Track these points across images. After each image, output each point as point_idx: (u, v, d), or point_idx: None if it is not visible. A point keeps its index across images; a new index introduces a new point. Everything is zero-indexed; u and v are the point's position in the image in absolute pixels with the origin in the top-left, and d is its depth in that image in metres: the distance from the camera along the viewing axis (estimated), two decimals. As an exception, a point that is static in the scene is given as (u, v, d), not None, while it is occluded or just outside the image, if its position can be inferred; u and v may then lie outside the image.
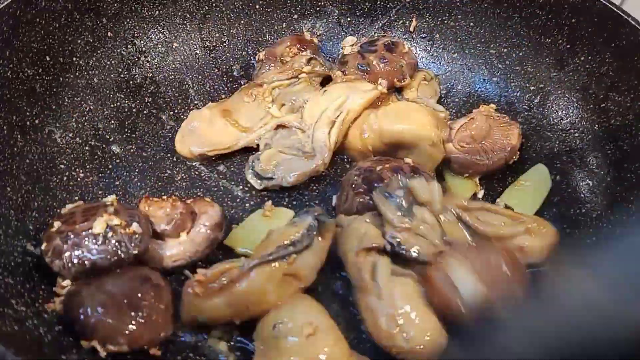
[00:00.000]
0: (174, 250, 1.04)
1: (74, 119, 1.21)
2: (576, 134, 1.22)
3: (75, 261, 0.94)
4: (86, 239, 0.95)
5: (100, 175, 1.19)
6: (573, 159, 1.20)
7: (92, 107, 1.24)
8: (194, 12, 1.37)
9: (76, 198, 1.14)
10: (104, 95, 1.27)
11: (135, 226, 0.97)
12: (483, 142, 1.18)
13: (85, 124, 1.22)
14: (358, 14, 1.41)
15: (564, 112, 1.25)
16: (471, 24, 1.35)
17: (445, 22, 1.37)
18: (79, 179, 1.17)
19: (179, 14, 1.36)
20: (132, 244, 0.96)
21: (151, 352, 0.93)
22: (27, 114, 1.13)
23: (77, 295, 0.93)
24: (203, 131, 1.24)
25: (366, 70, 1.26)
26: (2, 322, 0.84)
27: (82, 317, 0.90)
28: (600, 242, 1.07)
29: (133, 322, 0.90)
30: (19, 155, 1.09)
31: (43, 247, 0.98)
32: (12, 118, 1.10)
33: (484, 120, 1.19)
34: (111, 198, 1.04)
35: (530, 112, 1.29)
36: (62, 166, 1.16)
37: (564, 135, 1.24)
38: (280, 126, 1.23)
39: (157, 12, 1.34)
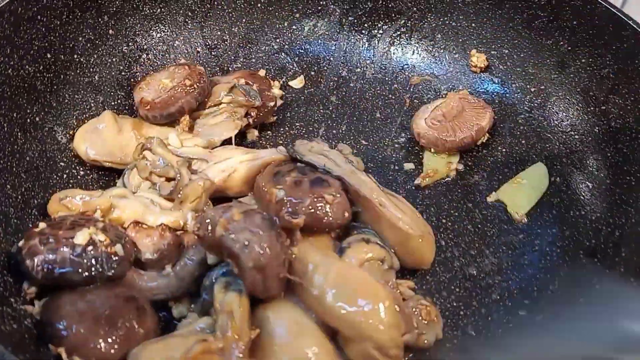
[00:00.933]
0: (155, 283, 0.98)
1: (74, 117, 1.21)
2: (576, 136, 1.22)
3: (46, 266, 0.90)
4: (64, 247, 0.91)
5: (100, 172, 1.19)
6: (573, 160, 1.20)
7: (92, 105, 1.24)
8: (195, 11, 1.37)
9: (76, 196, 1.14)
10: (105, 93, 1.27)
11: (118, 247, 0.93)
12: (453, 121, 1.23)
13: (86, 121, 1.22)
14: (360, 13, 1.41)
15: (564, 114, 1.25)
16: (473, 24, 1.35)
17: (447, 22, 1.37)
18: (79, 177, 1.17)
19: (181, 12, 1.36)
20: (109, 265, 0.92)
21: None
22: (28, 111, 1.13)
23: (59, 298, 0.90)
24: (107, 136, 1.15)
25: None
26: (1, 320, 0.84)
27: (56, 321, 0.87)
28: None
29: (106, 338, 0.86)
30: (19, 153, 1.09)
31: (20, 243, 0.94)
32: (13, 115, 1.10)
33: (457, 101, 1.26)
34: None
35: (530, 113, 1.29)
36: (62, 164, 1.16)
37: (564, 137, 1.24)
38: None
39: (158, 10, 1.33)
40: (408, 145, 1.28)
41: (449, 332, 1.01)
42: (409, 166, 1.24)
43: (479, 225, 1.15)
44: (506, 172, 1.22)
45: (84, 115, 1.22)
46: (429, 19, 1.38)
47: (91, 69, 1.25)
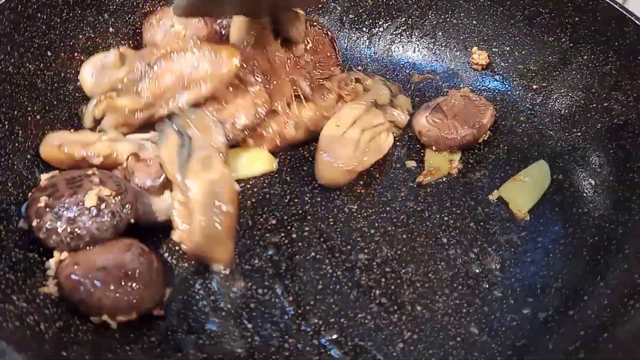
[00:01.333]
0: (158, 206, 1.07)
1: (75, 115, 1.20)
2: (579, 133, 1.22)
3: (73, 235, 0.95)
4: (79, 212, 0.95)
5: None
6: (575, 158, 1.20)
7: (93, 103, 1.24)
8: (196, 8, 1.36)
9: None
10: (106, 91, 1.26)
11: (125, 194, 0.99)
12: (454, 119, 1.23)
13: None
14: (360, 10, 1.41)
15: (566, 111, 1.25)
16: (474, 21, 1.35)
17: (448, 19, 1.37)
18: (80, 175, 1.16)
19: (181, 10, 1.35)
20: (125, 212, 0.98)
21: (155, 313, 0.96)
22: (29, 109, 1.12)
23: (73, 278, 0.93)
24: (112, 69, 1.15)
25: None
26: (4, 318, 0.84)
27: (85, 297, 0.91)
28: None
29: (135, 289, 0.92)
30: (20, 151, 1.09)
31: (34, 224, 0.97)
32: (14, 113, 1.09)
33: (459, 99, 1.25)
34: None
35: (532, 110, 1.29)
36: (63, 162, 1.16)
37: (566, 134, 1.23)
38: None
39: (158, 8, 1.33)
40: (409, 143, 1.28)
41: (452, 331, 1.00)
42: (410, 164, 1.24)
43: (481, 223, 1.14)
44: (508, 170, 1.22)
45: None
46: (429, 17, 1.38)
47: (91, 67, 1.24)
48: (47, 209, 0.96)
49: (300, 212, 1.14)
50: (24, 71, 1.12)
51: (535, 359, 0.95)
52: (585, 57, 1.22)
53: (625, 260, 1.01)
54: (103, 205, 0.96)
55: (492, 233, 1.13)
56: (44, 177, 1.05)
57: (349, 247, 1.09)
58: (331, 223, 1.13)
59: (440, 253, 1.09)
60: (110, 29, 1.27)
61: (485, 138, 1.26)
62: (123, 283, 0.92)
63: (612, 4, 1.15)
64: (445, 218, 1.15)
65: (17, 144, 1.09)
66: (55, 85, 1.18)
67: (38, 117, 1.14)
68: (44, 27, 1.15)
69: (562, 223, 1.12)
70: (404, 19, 1.40)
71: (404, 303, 1.03)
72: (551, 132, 1.25)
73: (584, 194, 1.15)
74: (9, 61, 1.09)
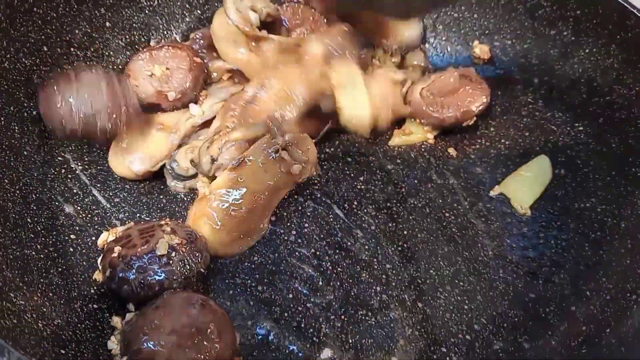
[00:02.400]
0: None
1: (72, 110, 1.20)
2: (581, 127, 1.21)
3: (141, 285, 0.94)
4: (150, 261, 0.95)
5: (98, 168, 1.17)
6: (577, 152, 1.19)
7: (90, 99, 1.23)
8: (193, 3, 1.35)
9: (75, 190, 1.13)
10: (103, 87, 1.25)
11: (195, 244, 0.98)
12: (444, 98, 1.22)
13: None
14: (360, 4, 1.39)
15: (568, 105, 1.24)
16: (475, 15, 1.33)
17: (449, 13, 1.36)
18: (77, 171, 1.15)
19: (178, 4, 1.34)
20: (195, 262, 0.97)
21: None
22: (25, 105, 1.11)
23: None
24: (138, 145, 1.15)
25: None
26: (1, 315, 0.83)
27: (143, 341, 0.87)
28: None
29: (211, 344, 0.88)
30: (17, 147, 1.08)
31: (107, 273, 0.97)
32: (10, 109, 1.08)
33: (455, 78, 1.25)
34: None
35: (534, 104, 1.27)
36: (60, 158, 1.15)
37: (568, 128, 1.22)
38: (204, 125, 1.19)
39: (155, 2, 1.32)
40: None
41: (454, 327, 1.00)
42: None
43: (483, 219, 1.13)
44: (509, 165, 1.21)
45: (82, 109, 1.21)
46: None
47: (88, 62, 1.23)
48: (121, 259, 0.96)
49: (300, 208, 1.13)
50: (20, 66, 1.11)
51: (537, 354, 0.95)
52: (587, 50, 1.20)
53: (628, 255, 1.00)
54: (173, 254, 0.95)
55: (493, 228, 1.12)
56: (119, 229, 1.05)
57: (349, 243, 1.08)
58: (331, 219, 1.12)
59: (442, 249, 1.09)
60: (107, 24, 1.26)
61: (470, 123, 1.24)
62: (197, 341, 0.87)
63: (614, -4, 1.14)
64: (447, 214, 1.14)
65: (13, 140, 1.08)
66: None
67: (34, 112, 1.13)
68: (40, 22, 1.14)
69: (564, 218, 1.11)
70: (404, 12, 1.38)
71: (405, 300, 1.02)
72: (553, 127, 1.24)
73: (586, 189, 1.14)
74: (4, 56, 1.07)
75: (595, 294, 0.99)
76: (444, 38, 1.38)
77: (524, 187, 1.17)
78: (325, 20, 1.30)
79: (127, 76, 1.17)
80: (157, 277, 0.94)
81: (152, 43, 1.31)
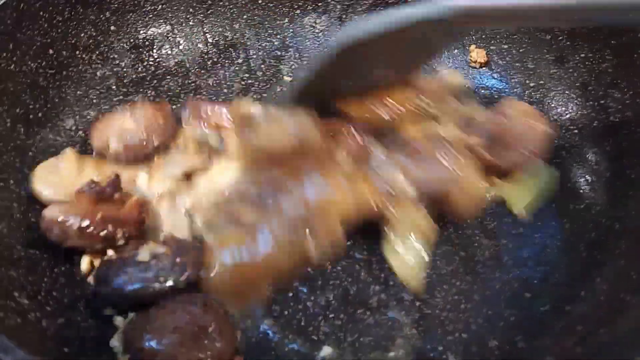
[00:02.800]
0: None
1: (77, 112, 1.22)
2: (575, 130, 1.23)
3: (118, 288, 0.94)
4: (130, 266, 0.95)
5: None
6: (572, 155, 1.21)
7: (95, 101, 1.25)
8: (197, 7, 1.37)
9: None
10: (107, 89, 1.27)
11: (182, 258, 0.96)
12: (505, 140, 1.14)
13: (89, 117, 1.22)
14: (360, 9, 1.41)
15: (563, 108, 1.26)
16: (472, 20, 1.35)
17: (447, 18, 1.37)
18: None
19: (182, 8, 1.36)
20: (176, 274, 0.94)
21: None
22: (31, 107, 1.13)
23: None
24: (66, 175, 1.09)
25: None
26: (5, 314, 0.85)
27: (143, 341, 0.88)
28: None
29: (213, 342, 0.89)
30: (22, 148, 1.10)
31: (93, 274, 0.99)
32: (15, 111, 1.10)
33: (511, 116, 1.15)
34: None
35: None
36: (64, 159, 1.17)
37: (563, 131, 1.24)
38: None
39: (160, 6, 1.34)
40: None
41: (450, 326, 1.01)
42: None
43: (479, 219, 1.15)
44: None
45: (87, 111, 1.23)
46: (428, 15, 1.38)
47: (93, 65, 1.25)
48: (108, 262, 0.98)
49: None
50: (25, 69, 1.13)
51: (532, 353, 0.96)
52: (582, 54, 1.22)
53: (622, 255, 1.01)
54: (154, 262, 0.95)
55: (489, 229, 1.14)
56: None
57: (347, 243, 1.10)
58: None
59: (439, 248, 1.10)
60: (112, 27, 1.28)
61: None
62: (199, 340, 0.88)
63: (609, 2, 1.16)
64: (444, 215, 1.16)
65: (18, 142, 1.10)
66: (57, 83, 1.19)
67: (40, 114, 1.15)
68: (45, 25, 1.16)
69: (559, 219, 1.13)
70: (402, 17, 1.40)
71: (403, 299, 1.04)
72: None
73: (581, 191, 1.16)
74: (10, 59, 1.09)
75: (590, 294, 1.00)
76: (442, 42, 1.39)
77: (521, 191, 1.17)
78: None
79: (93, 128, 1.15)
80: (131, 282, 0.94)
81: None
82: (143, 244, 0.98)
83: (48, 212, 1.00)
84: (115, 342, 0.93)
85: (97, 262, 1.02)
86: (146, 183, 1.13)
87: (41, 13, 1.14)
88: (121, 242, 1.01)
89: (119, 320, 0.97)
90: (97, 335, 0.96)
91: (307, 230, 0.96)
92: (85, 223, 0.98)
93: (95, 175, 1.08)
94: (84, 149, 1.18)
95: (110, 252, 1.01)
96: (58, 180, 1.08)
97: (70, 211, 0.99)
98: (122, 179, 1.07)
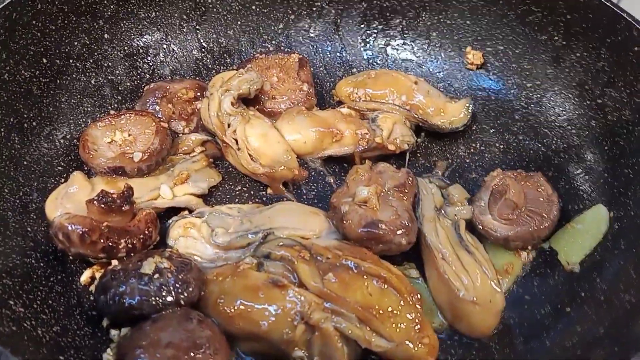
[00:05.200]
0: None
1: (72, 121, 1.22)
2: (573, 131, 1.22)
3: (117, 299, 0.93)
4: (132, 278, 0.94)
5: (97, 177, 1.19)
6: (570, 155, 1.20)
7: (89, 109, 1.25)
8: (190, 14, 1.37)
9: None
10: (102, 97, 1.27)
11: (186, 275, 0.95)
12: (526, 206, 1.08)
13: (83, 125, 1.22)
14: (354, 13, 1.41)
15: (561, 108, 1.25)
16: (467, 21, 1.35)
17: (442, 20, 1.37)
18: (76, 181, 1.17)
19: (176, 15, 1.36)
20: (177, 291, 0.93)
21: None
22: (25, 115, 1.13)
23: (138, 329, 0.89)
24: (81, 197, 1.07)
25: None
26: (0, 322, 0.84)
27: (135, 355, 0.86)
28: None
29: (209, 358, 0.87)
30: (17, 157, 1.10)
31: (95, 283, 0.99)
32: (10, 120, 1.10)
33: (515, 183, 1.09)
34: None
35: (527, 109, 1.28)
36: (59, 168, 1.17)
37: (561, 132, 1.23)
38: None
39: (153, 13, 1.34)
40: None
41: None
42: None
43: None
44: (504, 169, 1.20)
45: (81, 119, 1.23)
46: (423, 18, 1.38)
47: (87, 73, 1.25)
48: (111, 271, 0.97)
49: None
50: (19, 78, 1.13)
51: (532, 355, 0.95)
52: (578, 54, 1.22)
53: (621, 255, 1.01)
54: (157, 276, 0.94)
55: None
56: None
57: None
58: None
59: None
60: (106, 36, 1.28)
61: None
62: (193, 356, 0.86)
63: (604, 1, 1.15)
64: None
65: (13, 151, 1.10)
66: (52, 92, 1.19)
67: (34, 123, 1.15)
68: (39, 34, 1.16)
69: (559, 219, 1.11)
70: (398, 20, 1.40)
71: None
72: (546, 130, 1.25)
73: (580, 191, 1.15)
74: (4, 68, 1.10)
75: (590, 295, 0.99)
76: (438, 45, 1.39)
77: (576, 240, 1.08)
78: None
79: (84, 141, 1.14)
80: (131, 294, 0.92)
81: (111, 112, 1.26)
82: (147, 257, 0.97)
83: (57, 219, 1.00)
84: (108, 356, 0.93)
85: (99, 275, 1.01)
86: (170, 194, 1.13)
87: (34, 22, 1.14)
88: (123, 253, 1.01)
89: (114, 333, 0.96)
90: (92, 343, 0.95)
91: None
92: (88, 231, 0.98)
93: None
94: (78, 157, 1.18)
95: (114, 262, 1.00)
96: (72, 205, 1.07)
97: (76, 219, 0.99)
98: (141, 192, 1.09)
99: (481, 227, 1.08)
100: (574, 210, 1.13)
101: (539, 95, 1.28)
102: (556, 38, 1.24)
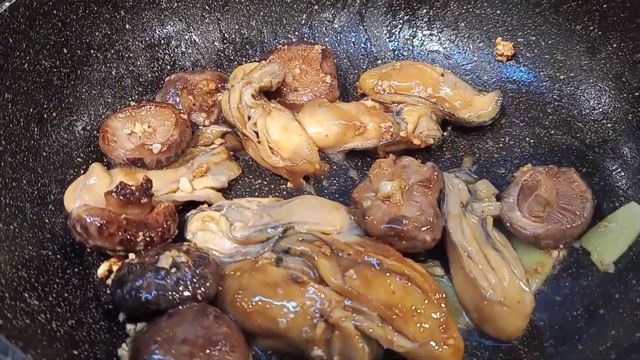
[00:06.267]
0: None
1: (92, 112, 1.21)
2: (609, 125, 1.17)
3: (133, 293, 0.91)
4: (149, 272, 0.92)
5: (117, 169, 1.18)
6: (606, 150, 1.15)
7: (110, 100, 1.24)
8: (213, 4, 1.35)
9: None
10: (122, 88, 1.26)
11: (203, 270, 0.93)
12: (558, 203, 1.04)
13: (103, 117, 1.21)
14: (380, 3, 1.38)
15: (595, 101, 1.20)
16: (498, 11, 1.31)
17: (471, 10, 1.33)
18: (95, 172, 1.16)
19: (198, 5, 1.34)
20: (194, 286, 0.91)
21: None
22: (44, 106, 1.12)
23: (153, 324, 0.88)
24: (100, 190, 1.06)
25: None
26: (14, 315, 0.83)
27: (150, 351, 0.85)
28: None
29: (226, 356, 0.85)
30: (36, 149, 1.09)
31: (112, 276, 0.98)
32: (29, 110, 1.09)
33: (546, 178, 1.06)
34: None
35: (560, 102, 1.24)
36: (79, 159, 1.16)
37: (596, 126, 1.18)
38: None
39: (175, 4, 1.32)
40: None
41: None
42: None
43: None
44: (535, 164, 1.16)
45: (102, 110, 1.22)
46: (451, 7, 1.34)
47: (108, 64, 1.24)
48: (128, 264, 0.95)
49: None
50: (39, 68, 1.12)
51: (563, 359, 0.91)
52: (614, 45, 1.16)
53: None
54: (173, 270, 0.92)
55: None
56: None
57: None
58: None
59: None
60: (127, 26, 1.27)
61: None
62: (209, 352, 0.84)
63: (642, -12, 1.10)
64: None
65: (32, 142, 1.09)
66: (72, 82, 1.18)
67: (54, 114, 1.14)
68: (59, 24, 1.15)
69: (593, 218, 1.06)
70: (425, 10, 1.36)
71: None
72: (580, 124, 1.20)
73: (615, 188, 1.10)
74: (24, 58, 1.09)
75: (625, 297, 0.94)
76: (466, 36, 1.35)
77: (608, 240, 1.03)
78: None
79: (104, 132, 1.13)
80: (148, 289, 0.91)
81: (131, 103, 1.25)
82: (164, 251, 0.95)
83: (75, 210, 0.99)
84: (123, 351, 0.91)
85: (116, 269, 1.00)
86: (189, 187, 1.11)
87: (55, 12, 1.13)
88: (141, 246, 0.99)
89: (129, 329, 0.94)
90: (108, 337, 0.94)
91: None
92: (106, 223, 0.97)
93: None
94: (97, 148, 1.17)
95: (132, 256, 0.99)
96: (90, 197, 1.06)
97: (94, 211, 0.98)
98: (159, 184, 1.08)
99: (510, 225, 1.03)
100: (609, 208, 1.08)
101: (572, 88, 1.23)
102: (591, 28, 1.20)
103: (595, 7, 1.18)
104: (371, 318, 0.88)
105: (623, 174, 1.11)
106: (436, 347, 0.88)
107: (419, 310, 0.89)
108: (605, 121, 1.18)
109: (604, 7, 1.16)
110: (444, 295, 0.92)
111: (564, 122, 1.22)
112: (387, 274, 0.92)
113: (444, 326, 0.89)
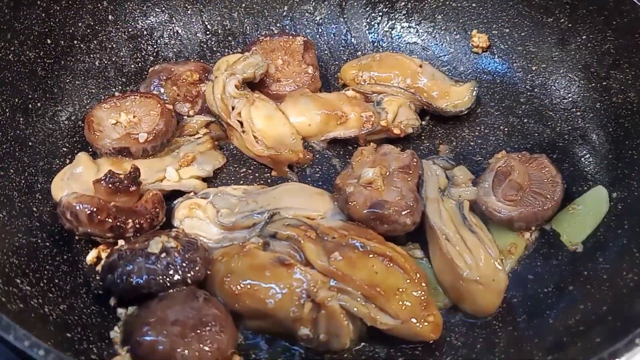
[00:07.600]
0: None
1: (76, 102, 1.22)
2: (578, 113, 1.22)
3: (124, 277, 0.93)
4: (139, 257, 0.94)
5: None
6: (575, 137, 1.20)
7: (94, 91, 1.25)
8: (196, -7, 1.37)
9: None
10: (106, 79, 1.27)
11: (192, 254, 0.96)
12: (531, 188, 1.09)
13: (88, 107, 1.22)
14: (361, -4, 1.41)
15: (566, 91, 1.25)
16: (473, 4, 1.35)
17: (448, 3, 1.37)
18: (82, 162, 1.17)
19: (180, -4, 1.36)
20: (184, 270, 0.94)
21: None
22: (29, 96, 1.13)
23: (147, 339, 0.88)
24: (87, 179, 1.08)
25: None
26: (8, 299, 0.85)
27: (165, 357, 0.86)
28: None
29: (216, 335, 0.88)
30: (22, 138, 1.10)
31: (102, 263, 0.99)
32: (14, 101, 1.10)
33: (519, 164, 1.11)
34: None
35: (532, 92, 1.28)
36: (64, 149, 1.17)
37: (566, 114, 1.23)
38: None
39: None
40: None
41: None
42: None
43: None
44: (509, 151, 1.21)
45: (86, 101, 1.23)
46: (429, 1, 1.38)
47: (91, 55, 1.25)
48: (117, 251, 0.97)
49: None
50: (24, 59, 1.13)
51: (535, 332, 0.96)
52: (584, 36, 1.21)
53: (624, 235, 1.01)
54: (163, 255, 0.94)
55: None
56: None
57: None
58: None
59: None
60: (110, 17, 1.28)
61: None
62: (200, 332, 0.87)
63: (609, -17, 1.15)
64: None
65: (18, 131, 1.10)
66: (56, 73, 1.19)
67: (39, 104, 1.15)
68: (43, 14, 1.16)
69: (563, 201, 1.11)
70: (403, 3, 1.39)
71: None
72: (551, 113, 1.25)
73: (584, 173, 1.15)
74: (8, 49, 1.10)
75: (593, 274, 1.00)
76: (443, 28, 1.39)
77: (577, 221, 1.08)
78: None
79: (90, 122, 1.14)
80: (139, 273, 0.93)
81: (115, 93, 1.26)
82: (154, 237, 0.97)
83: (65, 198, 1.01)
84: (115, 333, 0.93)
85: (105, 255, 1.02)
86: (176, 176, 1.13)
87: (38, 2, 1.14)
88: (130, 233, 1.01)
89: (121, 312, 0.96)
90: (99, 321, 0.96)
91: None
92: (96, 210, 0.98)
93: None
94: (83, 138, 1.18)
95: (121, 242, 1.01)
96: (77, 186, 1.07)
97: (84, 199, 0.99)
98: (147, 173, 1.10)
99: (485, 208, 1.08)
100: (578, 192, 1.13)
101: (544, 78, 1.28)
102: (562, 20, 1.24)
103: (565, 1, 1.22)
104: (355, 297, 0.92)
105: (591, 159, 1.16)
106: (417, 324, 0.92)
107: (400, 289, 0.93)
108: (574, 110, 1.23)
109: (574, 0, 1.21)
110: (424, 275, 0.96)
111: (536, 111, 1.27)
112: (370, 256, 0.96)
113: (424, 304, 0.93)
